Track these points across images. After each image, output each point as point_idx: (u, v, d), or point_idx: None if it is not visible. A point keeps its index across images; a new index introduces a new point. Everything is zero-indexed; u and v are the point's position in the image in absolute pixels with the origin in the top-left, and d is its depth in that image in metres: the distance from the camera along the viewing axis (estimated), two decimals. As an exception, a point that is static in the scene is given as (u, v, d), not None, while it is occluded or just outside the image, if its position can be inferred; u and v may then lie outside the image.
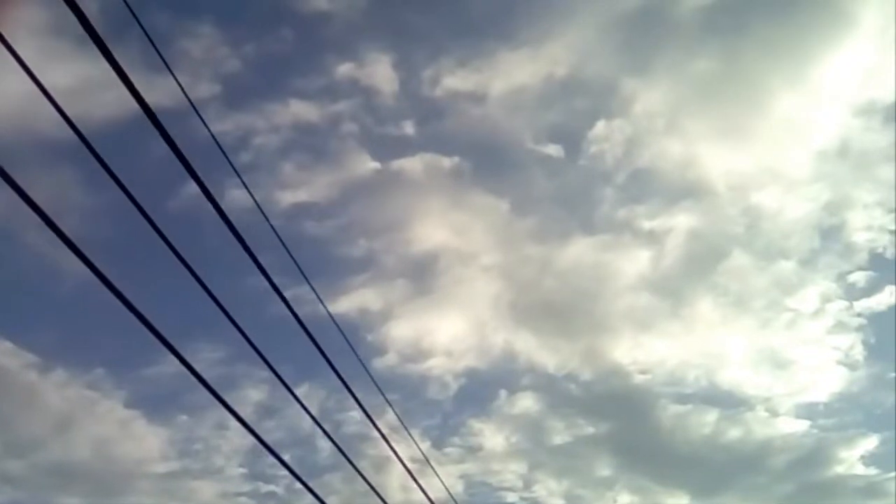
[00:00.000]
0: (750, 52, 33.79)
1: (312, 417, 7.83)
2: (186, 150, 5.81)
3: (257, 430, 6.82)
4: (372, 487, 8.80)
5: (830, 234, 37.47)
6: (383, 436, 9.18)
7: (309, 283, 7.83)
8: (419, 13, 34.20)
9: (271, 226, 7.17)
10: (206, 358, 28.52)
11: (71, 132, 5.06)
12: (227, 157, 6.54)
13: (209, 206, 5.83)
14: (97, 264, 5.18)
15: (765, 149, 36.52)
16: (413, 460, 11.01)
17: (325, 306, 8.29)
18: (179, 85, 5.71)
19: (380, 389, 9.48)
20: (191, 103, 5.92)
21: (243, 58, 33.53)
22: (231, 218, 6.03)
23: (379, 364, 34.11)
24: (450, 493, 14.22)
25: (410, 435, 11.38)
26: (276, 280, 6.69)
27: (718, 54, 34.96)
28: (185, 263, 5.91)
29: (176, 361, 6.26)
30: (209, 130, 6.22)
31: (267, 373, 7.16)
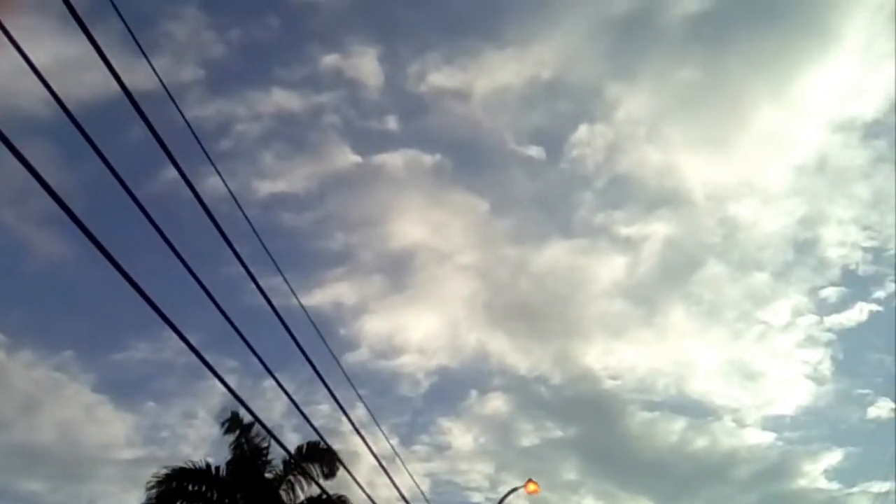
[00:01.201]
0: (733, 63, 34.15)
1: (293, 402, 7.77)
2: (167, 134, 5.79)
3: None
4: (348, 471, 8.76)
5: (804, 248, 37.94)
6: (356, 429, 9.18)
7: (281, 273, 7.80)
8: (407, 8, 34.19)
9: (244, 215, 7.14)
10: (173, 346, 28.18)
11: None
12: (203, 149, 6.51)
13: (185, 192, 5.82)
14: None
15: (744, 161, 36.91)
16: (381, 456, 11.01)
17: (296, 296, 8.27)
18: (157, 75, 5.67)
19: (351, 383, 9.48)
20: (168, 94, 5.89)
21: (228, 43, 33.33)
22: (207, 205, 6.00)
23: (351, 359, 34.05)
24: (420, 491, 14.20)
25: (381, 430, 11.40)
26: (250, 270, 6.68)
27: (702, 64, 35.30)
28: (170, 244, 5.87)
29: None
30: (186, 122, 6.18)
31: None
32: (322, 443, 17.79)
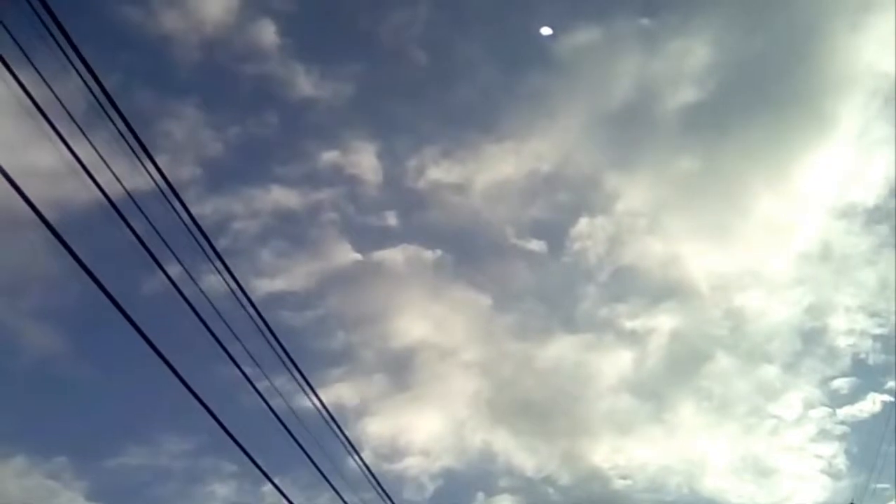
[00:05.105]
0: (731, 151, 34.43)
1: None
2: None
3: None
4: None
5: (813, 337, 37.32)
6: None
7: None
8: (405, 103, 34.81)
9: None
10: (171, 450, 27.67)
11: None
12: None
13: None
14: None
15: (747, 250, 36.76)
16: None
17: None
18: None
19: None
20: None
21: (226, 141, 33.73)
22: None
23: (353, 462, 33.06)
24: None
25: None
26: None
27: (700, 153, 35.56)
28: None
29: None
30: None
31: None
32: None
